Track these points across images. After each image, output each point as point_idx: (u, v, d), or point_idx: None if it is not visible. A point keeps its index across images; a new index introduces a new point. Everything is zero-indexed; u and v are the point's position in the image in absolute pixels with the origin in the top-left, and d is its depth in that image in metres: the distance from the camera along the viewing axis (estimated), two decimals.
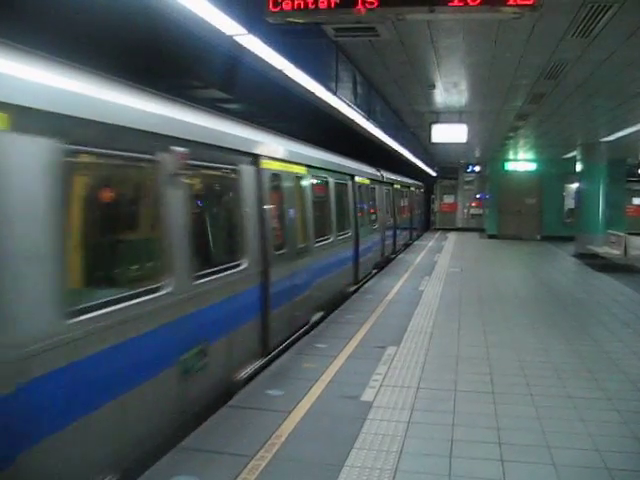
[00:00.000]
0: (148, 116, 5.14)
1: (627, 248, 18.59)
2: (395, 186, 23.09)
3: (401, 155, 22.02)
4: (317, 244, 10.68)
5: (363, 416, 6.00)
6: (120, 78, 4.97)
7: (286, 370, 7.48)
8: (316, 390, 6.73)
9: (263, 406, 6.23)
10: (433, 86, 12.54)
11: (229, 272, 6.74)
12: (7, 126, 3.56)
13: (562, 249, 24.92)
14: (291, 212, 9.27)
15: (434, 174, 38.03)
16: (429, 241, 29.86)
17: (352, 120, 12.17)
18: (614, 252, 19.21)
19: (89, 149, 4.45)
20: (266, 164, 8.05)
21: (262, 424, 5.74)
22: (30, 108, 3.73)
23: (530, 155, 29.92)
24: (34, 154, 3.78)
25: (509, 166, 31.72)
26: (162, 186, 5.36)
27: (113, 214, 5.19)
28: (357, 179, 15.02)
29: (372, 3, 4.97)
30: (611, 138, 20.48)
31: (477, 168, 36.70)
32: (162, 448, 5.05)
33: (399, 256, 22.10)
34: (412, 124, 18.95)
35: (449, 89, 12.88)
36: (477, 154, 30.33)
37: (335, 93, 9.66)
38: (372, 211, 17.70)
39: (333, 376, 7.27)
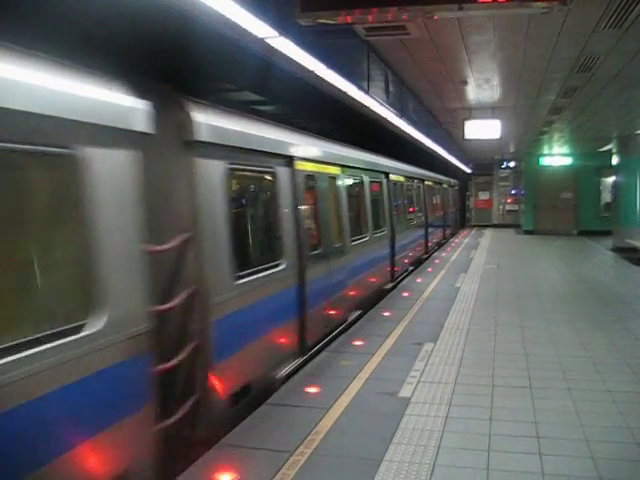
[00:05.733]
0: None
1: None
2: (429, 183, 22.86)
3: (435, 152, 21.95)
4: (353, 243, 10.67)
5: (401, 412, 6.05)
6: None
7: (324, 368, 7.56)
8: (354, 387, 6.80)
9: (302, 403, 6.32)
10: (465, 82, 12.51)
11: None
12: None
13: (599, 243, 24.63)
14: (326, 212, 9.30)
15: (469, 171, 37.85)
16: (465, 238, 29.74)
17: (385, 118, 12.19)
18: None
19: None
20: (300, 165, 8.07)
21: (301, 420, 5.82)
22: None
23: (565, 149, 29.56)
24: None
25: (544, 161, 31.44)
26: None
27: None
28: (391, 177, 14.89)
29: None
30: None
31: (512, 164, 36.53)
32: None
33: (435, 253, 22.01)
34: (445, 121, 18.88)
35: (481, 85, 12.83)
36: (511, 149, 30.10)
37: (367, 92, 9.70)
38: (407, 209, 17.62)
39: (371, 373, 7.33)
